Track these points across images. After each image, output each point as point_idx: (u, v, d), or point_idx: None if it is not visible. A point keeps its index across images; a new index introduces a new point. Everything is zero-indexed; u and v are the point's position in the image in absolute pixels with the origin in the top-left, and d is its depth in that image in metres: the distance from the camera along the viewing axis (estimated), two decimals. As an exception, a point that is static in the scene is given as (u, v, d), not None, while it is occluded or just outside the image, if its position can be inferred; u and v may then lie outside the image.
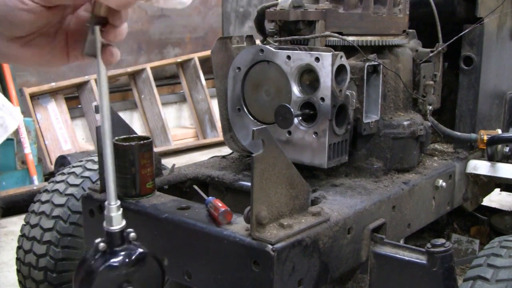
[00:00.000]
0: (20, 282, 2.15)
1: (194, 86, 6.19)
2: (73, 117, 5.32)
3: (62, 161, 4.42)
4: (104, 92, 1.00)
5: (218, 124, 5.84)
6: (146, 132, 5.77)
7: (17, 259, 2.13)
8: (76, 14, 1.02)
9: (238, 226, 1.40)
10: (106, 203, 1.02)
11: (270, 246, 1.29)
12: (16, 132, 4.26)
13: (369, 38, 1.83)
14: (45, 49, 0.99)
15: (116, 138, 1.61)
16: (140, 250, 1.02)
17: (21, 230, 2.14)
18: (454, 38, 2.07)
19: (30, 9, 0.91)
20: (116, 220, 1.01)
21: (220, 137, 5.45)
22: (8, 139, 3.91)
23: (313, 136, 1.65)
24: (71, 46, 1.01)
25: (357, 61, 1.77)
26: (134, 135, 1.66)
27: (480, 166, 2.16)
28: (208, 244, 1.41)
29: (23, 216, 2.17)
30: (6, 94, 4.50)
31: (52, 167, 4.78)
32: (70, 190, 2.07)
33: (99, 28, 0.96)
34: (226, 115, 1.88)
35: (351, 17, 1.81)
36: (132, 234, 1.02)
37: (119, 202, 1.02)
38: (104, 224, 1.01)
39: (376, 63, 1.76)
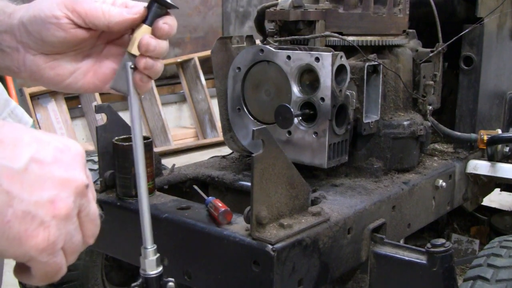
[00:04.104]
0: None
1: (194, 86, 6.19)
2: (73, 117, 5.32)
3: (62, 161, 4.41)
4: (137, 128, 0.98)
5: (218, 124, 5.84)
6: (146, 132, 5.77)
7: (17, 259, 2.13)
8: (108, 46, 1.01)
9: (238, 226, 1.40)
10: (142, 247, 0.97)
11: (270, 246, 1.29)
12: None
13: (369, 38, 1.83)
14: (69, 72, 0.97)
15: (116, 138, 1.61)
16: None
17: (21, 230, 2.14)
18: (454, 38, 2.07)
19: (61, 26, 0.91)
20: (152, 265, 0.98)
21: (220, 137, 5.45)
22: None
23: (313, 136, 1.65)
24: (95, 75, 1.00)
25: (357, 61, 1.77)
26: (134, 135, 1.66)
27: (480, 166, 2.16)
28: (208, 244, 1.41)
29: (23, 216, 2.17)
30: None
31: (52, 167, 4.77)
32: (70, 190, 2.07)
33: (132, 66, 0.96)
34: (226, 115, 1.88)
35: (351, 17, 1.81)
36: (171, 284, 0.97)
37: (155, 246, 0.98)
38: (140, 269, 0.97)
39: (376, 63, 1.76)
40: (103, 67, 1.00)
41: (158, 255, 0.98)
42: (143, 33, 0.95)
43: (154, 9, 0.95)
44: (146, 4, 0.97)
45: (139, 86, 0.97)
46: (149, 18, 0.95)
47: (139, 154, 0.97)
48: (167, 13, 0.96)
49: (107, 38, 1.00)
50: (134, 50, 0.95)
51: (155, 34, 0.95)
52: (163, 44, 0.96)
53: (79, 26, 0.92)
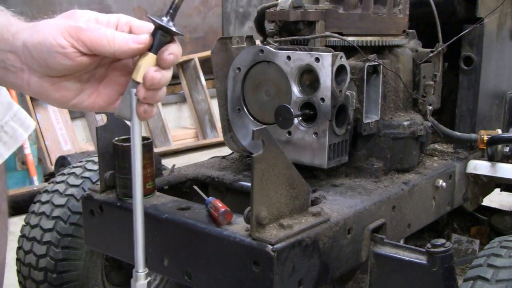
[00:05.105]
0: (20, 282, 2.15)
1: (194, 86, 6.19)
2: (73, 118, 5.32)
3: (62, 161, 4.41)
4: (137, 152, 0.99)
5: (218, 125, 5.83)
6: (146, 132, 5.76)
7: (17, 259, 2.13)
8: (113, 66, 1.01)
9: (238, 227, 1.40)
10: (134, 270, 0.99)
11: (270, 247, 1.29)
12: (16, 133, 4.26)
13: (369, 38, 1.83)
14: (74, 93, 0.98)
15: (116, 138, 1.61)
16: None
17: (21, 231, 2.14)
18: (454, 38, 2.07)
19: (67, 55, 0.90)
20: None
21: (220, 138, 5.45)
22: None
23: (313, 136, 1.65)
24: (101, 94, 1.00)
25: (357, 61, 1.77)
26: (134, 136, 1.66)
27: (480, 166, 2.16)
28: (208, 245, 1.41)
29: (23, 216, 2.17)
30: (6, 94, 4.50)
31: (52, 168, 4.77)
32: (70, 191, 2.07)
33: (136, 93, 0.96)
34: (226, 116, 1.88)
35: (351, 17, 1.81)
36: None
37: (147, 270, 0.99)
38: None
39: (376, 63, 1.76)
40: (108, 88, 1.01)
41: (149, 279, 1.00)
42: (148, 62, 0.94)
43: (159, 36, 0.94)
44: (150, 26, 0.96)
45: (142, 117, 0.98)
46: (154, 46, 0.94)
47: (137, 167, 0.99)
48: (172, 40, 0.96)
49: (111, 59, 1.00)
50: (139, 78, 0.94)
51: (160, 64, 0.95)
52: (168, 75, 0.96)
53: (85, 54, 0.92)
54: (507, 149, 2.18)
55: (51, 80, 0.94)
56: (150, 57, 0.94)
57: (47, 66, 0.91)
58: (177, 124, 6.34)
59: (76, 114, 5.42)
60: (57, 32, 0.89)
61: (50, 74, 0.93)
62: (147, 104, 0.97)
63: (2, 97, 1.16)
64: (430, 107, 2.01)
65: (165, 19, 0.94)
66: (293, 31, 1.80)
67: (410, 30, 2.07)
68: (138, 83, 0.95)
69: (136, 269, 0.99)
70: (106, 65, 1.00)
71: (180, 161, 5.12)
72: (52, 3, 5.09)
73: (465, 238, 2.65)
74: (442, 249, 1.46)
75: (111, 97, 1.01)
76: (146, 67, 0.94)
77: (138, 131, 0.98)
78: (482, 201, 2.48)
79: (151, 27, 0.96)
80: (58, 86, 0.95)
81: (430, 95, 2.02)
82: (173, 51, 0.95)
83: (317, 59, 1.59)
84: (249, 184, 1.64)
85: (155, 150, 3.04)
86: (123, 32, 0.95)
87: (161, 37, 0.94)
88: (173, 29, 0.94)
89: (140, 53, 0.94)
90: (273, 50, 1.69)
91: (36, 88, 0.95)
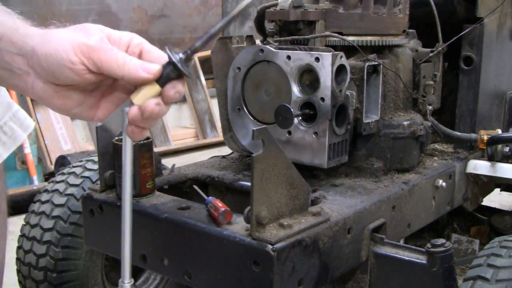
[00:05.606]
0: (20, 282, 2.15)
1: (194, 86, 6.19)
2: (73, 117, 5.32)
3: (62, 161, 4.41)
4: (128, 167, 1.01)
5: (218, 124, 5.83)
6: (146, 132, 5.75)
7: (17, 259, 2.13)
8: (117, 83, 1.01)
9: (238, 226, 1.40)
10: (120, 280, 1.04)
11: (270, 246, 1.29)
12: (16, 132, 4.25)
13: (369, 38, 1.83)
14: (77, 103, 0.98)
15: (116, 138, 1.61)
16: None
17: (21, 230, 2.14)
18: (454, 38, 2.07)
19: (76, 71, 0.91)
20: None
21: (220, 137, 5.45)
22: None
23: (313, 136, 1.65)
24: (102, 106, 1.01)
25: (357, 61, 1.77)
26: (134, 135, 1.66)
27: (480, 166, 2.16)
28: (208, 244, 1.41)
29: (23, 216, 2.17)
30: (6, 94, 4.50)
31: (52, 167, 4.77)
32: (70, 190, 2.07)
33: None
34: (226, 115, 1.88)
35: (351, 17, 1.81)
36: None
37: (132, 281, 1.05)
38: None
39: (376, 63, 1.76)
40: (108, 102, 1.01)
41: None
42: (151, 91, 0.94)
43: (169, 71, 0.94)
44: (160, 53, 0.96)
45: (130, 136, 0.99)
46: (162, 78, 0.94)
47: (127, 182, 1.02)
48: (180, 77, 0.96)
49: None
50: (136, 100, 0.94)
51: (163, 98, 0.95)
52: (166, 109, 0.96)
53: (93, 72, 0.92)
54: (507, 149, 2.18)
55: (55, 87, 0.95)
56: (154, 87, 0.95)
57: (53, 76, 0.92)
58: (177, 124, 6.34)
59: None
60: (69, 47, 0.90)
61: (56, 82, 0.94)
62: (134, 126, 0.97)
63: (1, 98, 1.16)
64: (430, 107, 2.01)
65: (181, 55, 0.95)
66: (293, 30, 1.80)
67: (410, 30, 2.07)
68: (133, 104, 0.95)
69: (122, 279, 1.04)
70: (110, 81, 1.01)
71: (180, 161, 5.12)
72: (52, 3, 5.09)
73: (465, 238, 2.65)
74: (442, 249, 1.46)
75: (111, 111, 1.03)
76: (148, 95, 0.94)
77: (129, 149, 1.01)
78: (482, 201, 2.48)
79: (160, 54, 0.96)
80: (61, 94, 0.96)
81: (430, 95, 2.02)
82: (179, 90, 0.96)
83: (317, 59, 1.58)
84: (249, 183, 1.64)
85: (155, 149, 3.03)
86: (133, 53, 0.95)
87: (171, 72, 0.94)
88: (185, 71, 0.94)
89: (147, 82, 0.95)
90: (273, 49, 1.69)
91: (40, 93, 0.95)
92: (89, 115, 1.00)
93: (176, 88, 0.95)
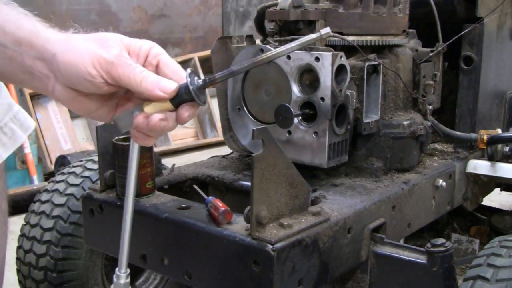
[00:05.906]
0: (20, 282, 2.15)
1: (194, 86, 6.19)
2: (73, 117, 5.32)
3: (62, 160, 4.41)
4: (133, 166, 1.02)
5: (218, 124, 5.83)
6: (146, 132, 5.75)
7: (17, 258, 2.13)
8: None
9: (238, 226, 1.40)
10: (116, 269, 1.06)
11: (270, 246, 1.29)
12: (16, 132, 4.26)
13: (369, 38, 1.83)
14: (94, 108, 1.00)
15: (116, 138, 1.61)
16: None
17: (21, 230, 2.14)
18: (454, 38, 2.07)
19: (95, 84, 0.93)
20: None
21: (220, 137, 5.45)
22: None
23: (313, 136, 1.65)
24: (117, 113, 1.03)
25: (357, 61, 1.77)
26: (134, 135, 1.66)
27: (480, 166, 2.16)
28: (208, 244, 1.41)
29: (23, 216, 2.17)
30: (6, 94, 4.50)
31: (52, 167, 4.77)
32: (70, 190, 2.07)
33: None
34: (226, 115, 1.88)
35: (351, 17, 1.81)
36: None
37: (129, 271, 1.08)
38: None
39: (376, 63, 1.76)
40: (124, 108, 1.03)
41: (128, 279, 1.12)
42: (163, 107, 0.96)
43: (184, 92, 0.96)
44: (177, 68, 0.98)
45: (135, 139, 1.01)
46: (176, 97, 0.96)
47: (131, 189, 1.06)
48: (193, 100, 0.97)
49: None
50: (146, 109, 0.96)
51: (177, 118, 0.97)
52: (173, 126, 0.98)
53: (111, 84, 0.94)
54: (507, 148, 2.18)
55: (74, 92, 0.96)
56: (167, 103, 0.96)
57: (72, 84, 0.94)
58: (177, 124, 6.34)
59: (76, 113, 5.42)
60: (88, 60, 0.91)
61: (74, 88, 0.96)
62: (137, 131, 0.99)
63: (2, 98, 1.15)
64: (430, 107, 2.01)
65: (199, 82, 0.97)
66: (293, 30, 1.80)
67: (410, 30, 2.07)
68: (143, 111, 0.97)
69: (119, 268, 1.08)
70: (127, 90, 1.02)
71: (180, 161, 5.12)
72: (52, 2, 5.09)
73: (465, 237, 2.65)
74: (442, 248, 1.46)
75: None
76: (159, 108, 0.96)
77: (136, 150, 1.02)
78: (482, 201, 2.48)
79: (177, 68, 0.98)
80: (80, 99, 0.98)
81: (430, 94, 2.02)
82: (191, 113, 0.98)
83: (317, 59, 1.59)
84: (249, 183, 1.64)
85: (155, 149, 3.04)
86: (150, 65, 0.97)
87: (185, 95, 0.96)
88: (199, 99, 0.96)
89: (162, 100, 0.96)
90: (273, 49, 1.68)
91: (60, 96, 0.97)
92: (107, 118, 1.03)
93: (190, 111, 0.97)
